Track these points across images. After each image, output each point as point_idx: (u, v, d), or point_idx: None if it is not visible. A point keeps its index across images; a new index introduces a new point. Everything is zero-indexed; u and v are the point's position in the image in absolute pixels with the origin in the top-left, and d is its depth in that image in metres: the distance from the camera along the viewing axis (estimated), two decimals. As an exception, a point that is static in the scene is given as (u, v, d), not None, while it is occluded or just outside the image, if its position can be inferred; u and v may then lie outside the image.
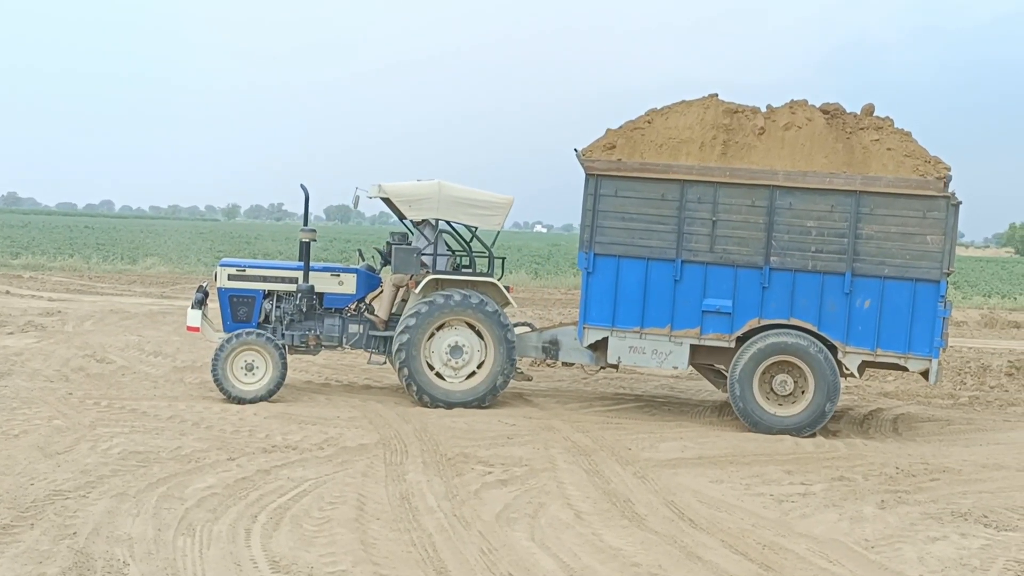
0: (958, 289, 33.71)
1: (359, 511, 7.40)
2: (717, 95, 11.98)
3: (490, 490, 8.23)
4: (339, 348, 12.37)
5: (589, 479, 8.73)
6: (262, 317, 12.09)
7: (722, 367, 12.17)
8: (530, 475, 8.77)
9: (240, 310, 12.03)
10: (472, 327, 11.89)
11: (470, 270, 12.70)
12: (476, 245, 12.77)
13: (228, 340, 11.40)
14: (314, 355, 12.47)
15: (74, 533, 6.55)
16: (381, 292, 12.53)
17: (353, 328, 12.17)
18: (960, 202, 10.84)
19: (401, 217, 13.01)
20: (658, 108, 12.03)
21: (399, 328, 11.70)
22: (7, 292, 22.18)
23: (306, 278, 12.09)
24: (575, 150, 11.69)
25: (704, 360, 11.92)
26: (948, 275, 10.87)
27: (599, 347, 11.86)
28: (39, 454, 8.51)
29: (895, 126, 11.50)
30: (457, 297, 11.75)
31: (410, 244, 12.45)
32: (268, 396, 11.47)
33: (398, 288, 12.36)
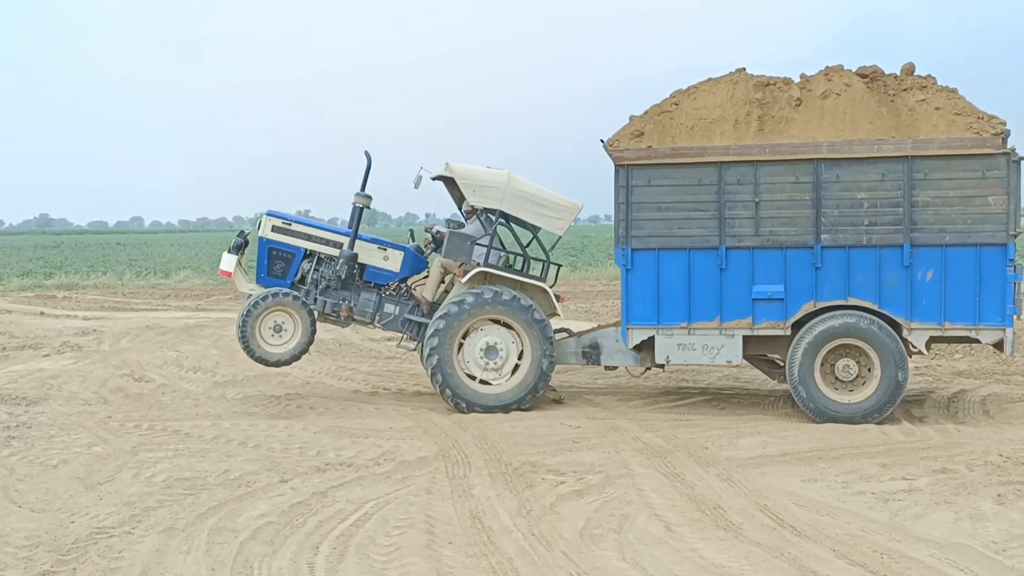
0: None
1: (429, 535, 6.62)
2: (744, 69, 11.01)
3: (566, 503, 7.41)
4: (370, 325, 11.58)
5: (671, 484, 7.84)
6: (298, 276, 11.39)
7: (777, 357, 11.19)
8: (606, 483, 7.91)
9: (277, 264, 11.34)
10: (510, 327, 10.99)
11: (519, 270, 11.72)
12: (531, 246, 11.93)
13: (264, 298, 10.74)
14: (343, 327, 11.66)
15: None
16: (426, 277, 11.72)
17: (389, 308, 11.43)
18: (1022, 158, 9.83)
19: (459, 203, 12.20)
20: (683, 89, 11.06)
21: (432, 327, 10.83)
22: (41, 313, 21.41)
23: (352, 245, 11.35)
24: (601, 141, 10.72)
25: (758, 350, 10.93)
26: (1015, 237, 9.86)
27: (644, 347, 10.89)
28: (80, 486, 7.81)
29: (939, 84, 10.51)
30: (494, 295, 10.83)
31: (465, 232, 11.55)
32: (290, 361, 11.03)
33: (445, 274, 11.48)
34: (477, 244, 11.19)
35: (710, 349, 10.52)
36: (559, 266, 11.98)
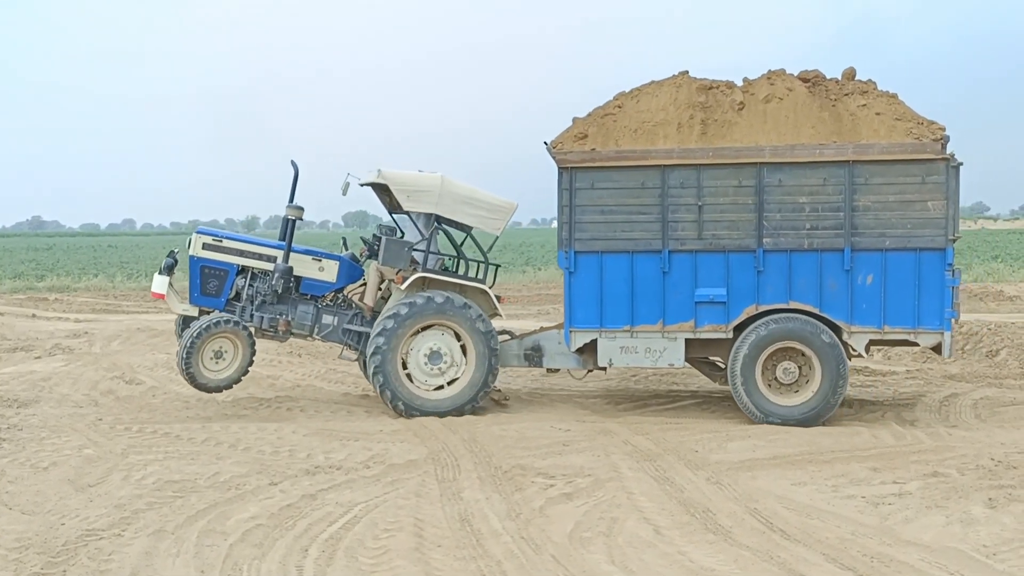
0: (1005, 263, 32.09)
1: (418, 538, 6.49)
2: (688, 72, 10.89)
3: (555, 506, 7.26)
4: (309, 338, 11.20)
5: (660, 488, 7.69)
6: (232, 293, 10.97)
7: (718, 360, 11.09)
8: (596, 486, 7.75)
9: (210, 282, 10.89)
10: (455, 333, 10.75)
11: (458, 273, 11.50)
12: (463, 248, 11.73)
13: (206, 328, 10.20)
14: (282, 341, 11.30)
15: None
16: (363, 285, 11.40)
17: (327, 319, 11.10)
18: (961, 163, 9.82)
19: (391, 210, 11.92)
20: (627, 91, 10.91)
21: (375, 330, 10.55)
22: (33, 315, 21.04)
23: (286, 259, 10.98)
24: (545, 143, 10.53)
25: (700, 353, 10.82)
26: (954, 241, 9.85)
27: (587, 350, 10.72)
28: (70, 488, 7.68)
29: (879, 89, 10.48)
30: (439, 299, 10.59)
31: (402, 237, 11.31)
32: (230, 387, 10.59)
33: (382, 280, 11.20)
34: (415, 249, 10.95)
35: (652, 352, 10.38)
36: (497, 266, 11.75)
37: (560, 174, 10.39)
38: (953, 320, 9.90)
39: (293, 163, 11.13)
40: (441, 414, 10.54)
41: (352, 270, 11.32)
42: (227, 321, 10.33)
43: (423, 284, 10.86)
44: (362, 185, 11.39)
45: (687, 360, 10.94)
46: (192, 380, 10.28)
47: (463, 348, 10.75)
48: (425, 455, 8.84)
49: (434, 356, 10.68)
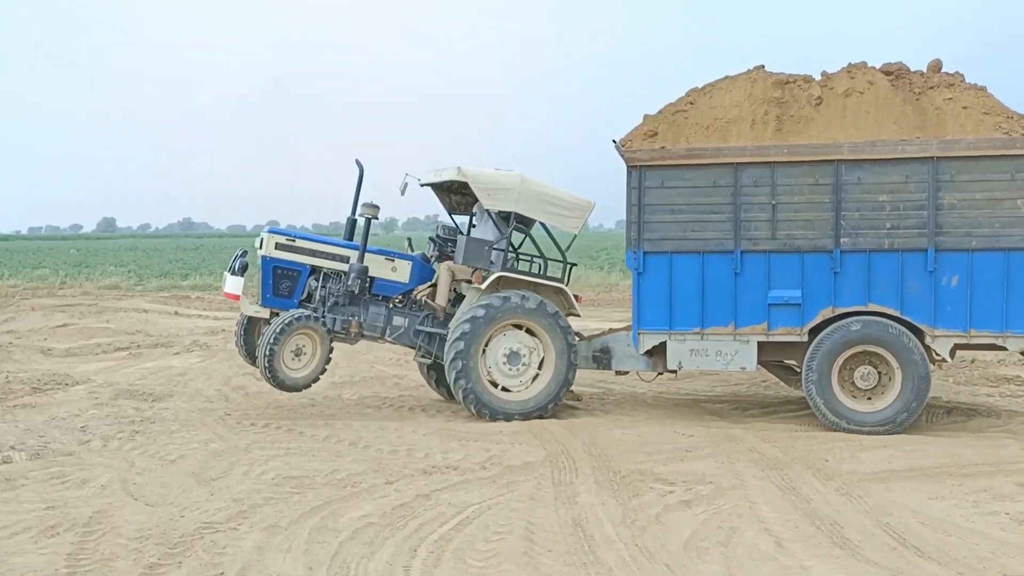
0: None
1: (528, 542, 6.30)
2: (763, 66, 10.46)
3: (673, 513, 6.96)
4: (380, 340, 10.95)
5: (785, 498, 7.28)
6: (304, 294, 10.69)
7: (794, 363, 10.63)
8: (717, 494, 7.41)
9: (283, 283, 10.58)
10: (531, 332, 10.53)
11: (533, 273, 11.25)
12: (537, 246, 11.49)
13: (288, 323, 9.95)
14: (352, 343, 10.99)
15: (222, 573, 5.81)
16: (432, 286, 11.14)
17: (398, 320, 10.82)
18: (1054, 159, 9.20)
19: (451, 211, 11.82)
20: (700, 87, 10.53)
21: (454, 333, 10.27)
22: (176, 313, 22.01)
23: (361, 259, 10.72)
24: (613, 141, 10.22)
25: (774, 357, 10.38)
26: (1045, 241, 9.24)
27: (656, 352, 10.38)
28: (193, 481, 7.82)
29: (967, 81, 9.90)
30: (516, 298, 10.36)
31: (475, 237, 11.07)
32: (309, 385, 10.33)
33: (453, 280, 10.97)
34: (495, 249, 10.72)
35: (724, 355, 9.99)
36: (574, 265, 11.47)
37: (629, 173, 10.07)
38: (1044, 324, 9.28)
39: (358, 162, 10.97)
40: (524, 416, 10.31)
41: (424, 270, 11.12)
42: (307, 317, 10.12)
43: (498, 284, 10.62)
44: (422, 185, 11.22)
45: (762, 364, 10.53)
46: (274, 378, 10.04)
47: (541, 348, 10.53)
48: (543, 457, 8.63)
49: (513, 357, 10.46)
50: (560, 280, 10.98)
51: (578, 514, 6.92)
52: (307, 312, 10.22)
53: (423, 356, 11.07)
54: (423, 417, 10.62)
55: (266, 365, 9.92)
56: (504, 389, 10.47)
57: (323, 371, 10.38)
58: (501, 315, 10.32)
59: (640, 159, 10.00)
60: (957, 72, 10.02)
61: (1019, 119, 9.33)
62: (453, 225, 11.68)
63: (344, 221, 11.42)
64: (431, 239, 11.47)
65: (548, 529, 6.58)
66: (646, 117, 10.46)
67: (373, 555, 6.08)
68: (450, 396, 11.42)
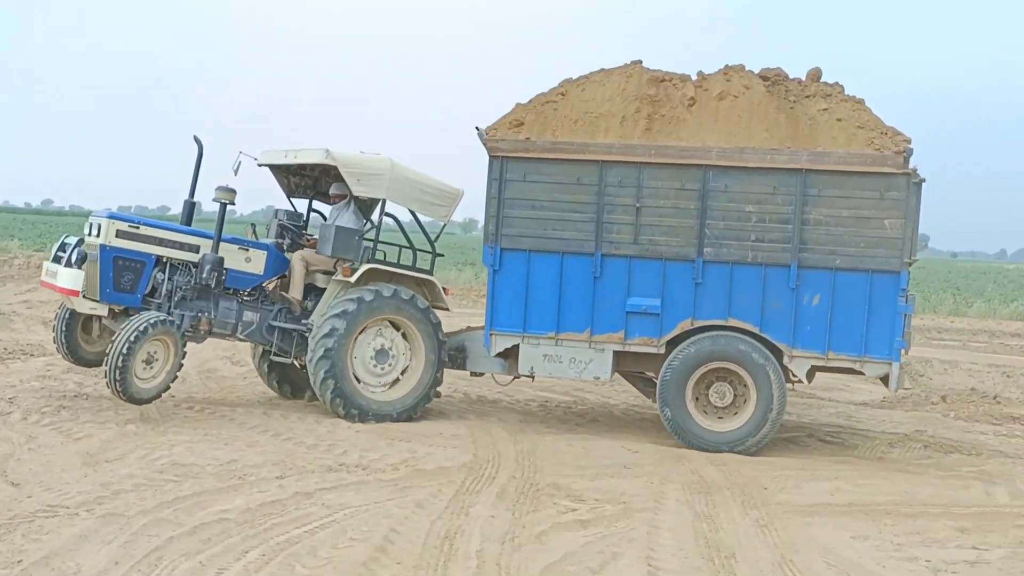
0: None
1: (379, 552, 5.78)
2: (641, 62, 9.87)
3: (561, 532, 6.38)
4: (230, 338, 9.89)
5: (693, 525, 6.68)
6: (148, 288, 9.33)
7: (653, 375, 10.10)
8: (621, 515, 6.81)
9: (125, 276, 9.14)
10: (396, 327, 9.77)
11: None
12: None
13: (142, 330, 8.60)
14: (199, 342, 9.87)
15: (19, 561, 5.33)
16: (283, 278, 10.10)
17: (249, 316, 9.72)
18: (923, 180, 8.79)
19: (289, 193, 10.82)
20: (574, 78, 9.89)
21: (322, 329, 9.36)
22: None
23: (216, 248, 9.50)
24: (477, 128, 9.53)
25: (631, 367, 9.84)
26: (910, 265, 8.83)
27: (511, 355, 9.75)
28: (79, 462, 7.36)
29: (846, 93, 9.45)
30: (387, 292, 9.56)
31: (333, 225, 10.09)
32: (159, 396, 9.06)
33: (308, 270, 10.01)
34: (364, 239, 9.88)
35: (578, 363, 9.40)
36: (440, 255, 10.75)
37: (490, 163, 9.41)
38: (903, 351, 8.88)
39: (196, 139, 9.77)
40: (395, 417, 9.56)
41: (279, 261, 9.94)
42: (164, 321, 8.86)
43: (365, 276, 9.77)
44: (260, 165, 10.32)
45: (621, 375, 10.00)
46: (125, 392, 8.66)
47: (408, 344, 9.83)
48: (464, 463, 8.10)
49: (381, 355, 9.68)
50: (428, 272, 10.25)
51: (456, 526, 6.38)
52: (163, 316, 8.92)
53: (277, 354, 10.01)
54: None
55: (117, 378, 8.56)
56: (385, 388, 9.72)
57: (175, 379, 9.18)
58: (372, 310, 9.52)
59: (502, 149, 9.35)
60: (837, 83, 9.57)
61: (893, 135, 8.89)
62: (293, 210, 10.71)
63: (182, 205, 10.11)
64: (280, 226, 10.35)
65: (411, 540, 6.04)
66: (517, 105, 9.80)
67: (198, 554, 5.54)
68: (292, 395, 10.60)
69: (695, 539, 6.35)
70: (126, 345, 8.53)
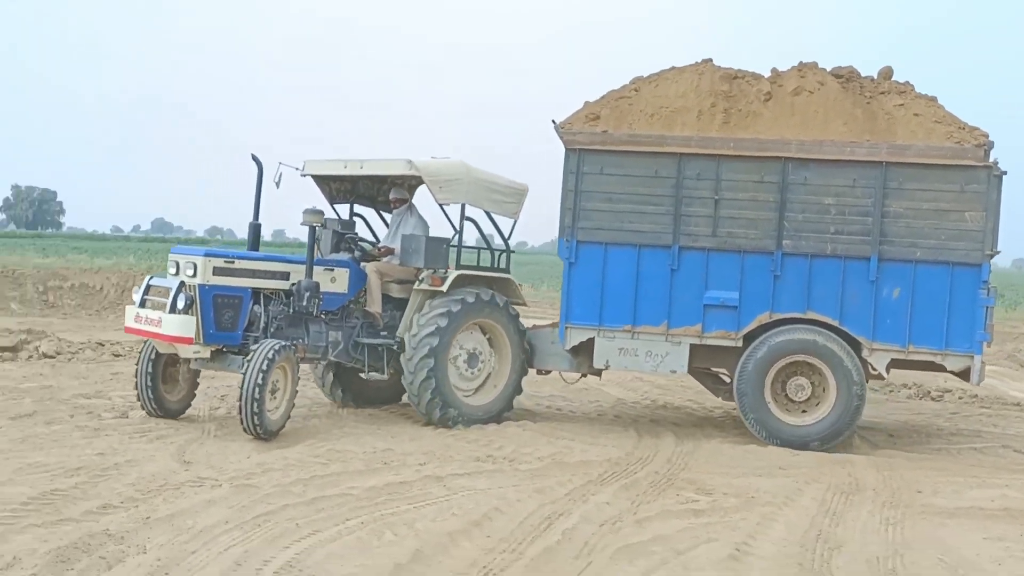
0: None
1: (472, 526, 5.86)
2: (712, 60, 9.88)
3: (667, 519, 6.30)
4: (320, 361, 9.49)
5: (814, 519, 6.43)
6: (247, 323, 8.84)
7: (722, 371, 10.00)
8: (742, 507, 6.63)
9: (225, 314, 8.60)
10: (483, 332, 9.66)
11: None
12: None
13: (270, 358, 8.06)
14: None
15: (147, 518, 5.65)
16: (364, 291, 9.73)
17: (333, 336, 9.33)
18: (1004, 172, 8.77)
19: (332, 201, 10.58)
20: (645, 76, 9.89)
21: (426, 328, 9.12)
22: None
23: (309, 273, 9.08)
24: (553, 121, 9.50)
25: (706, 363, 9.72)
26: (991, 257, 8.79)
27: (582, 351, 9.65)
28: (251, 447, 7.79)
29: (917, 91, 9.46)
30: (485, 296, 9.46)
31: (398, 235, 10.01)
32: (282, 427, 8.42)
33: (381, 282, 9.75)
34: (452, 246, 9.72)
35: (654, 356, 9.30)
36: (513, 251, 10.65)
37: (567, 156, 9.35)
38: (985, 344, 8.81)
39: (255, 158, 9.28)
40: (486, 420, 9.42)
41: (359, 276, 9.64)
42: (286, 348, 8.33)
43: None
44: (309, 175, 10.19)
45: (689, 371, 9.91)
46: (262, 424, 8.05)
47: (492, 348, 9.74)
48: (612, 458, 8.09)
49: (472, 359, 9.53)
50: (505, 270, 10.17)
51: (564, 510, 6.31)
52: (283, 343, 8.41)
53: (371, 371, 9.60)
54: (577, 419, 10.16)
55: (255, 410, 7.97)
56: (460, 391, 9.51)
57: (293, 403, 8.66)
58: (470, 313, 9.40)
59: (580, 142, 9.30)
60: (907, 81, 9.59)
61: (971, 130, 8.88)
62: (337, 218, 10.41)
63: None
64: (339, 236, 10.04)
65: (511, 519, 6.06)
66: (587, 103, 9.78)
67: (302, 518, 5.77)
68: (355, 403, 10.32)
69: (807, 531, 6.17)
70: (259, 376, 7.99)
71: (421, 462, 7.57)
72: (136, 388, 8.83)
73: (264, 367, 8.02)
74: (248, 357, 8.20)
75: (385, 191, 10.89)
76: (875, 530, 6.31)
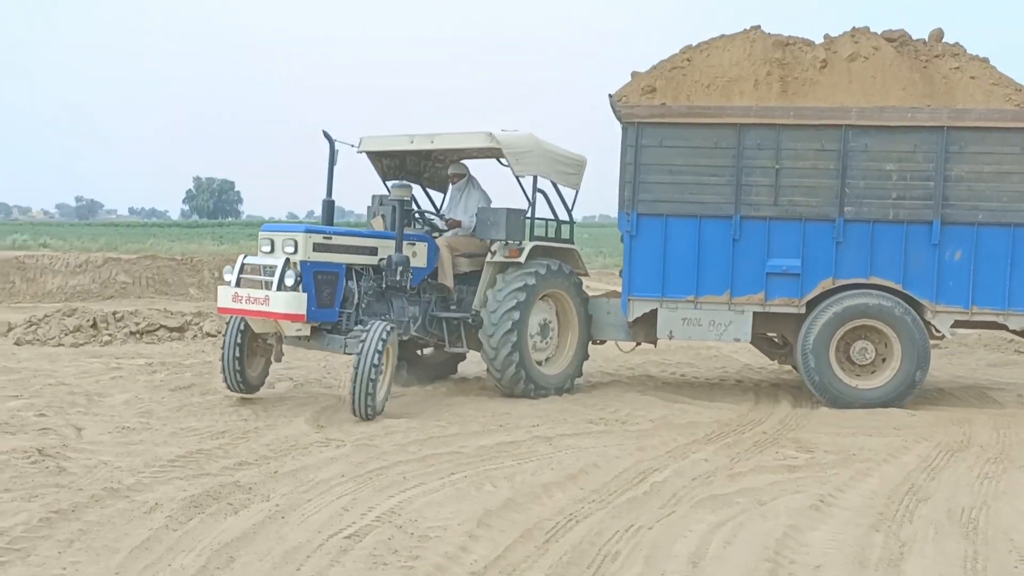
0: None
1: (568, 479, 6.19)
2: (760, 27, 9.83)
3: (760, 473, 6.47)
4: (403, 336, 9.13)
5: (910, 475, 6.49)
6: (342, 299, 8.66)
7: (775, 336, 10.07)
8: (839, 463, 6.77)
9: (325, 291, 8.42)
10: (550, 301, 9.71)
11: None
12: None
13: (383, 338, 7.92)
14: None
15: (275, 472, 6.18)
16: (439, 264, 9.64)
17: (413, 311, 9.21)
18: (1064, 133, 8.82)
19: (385, 177, 10.46)
20: (694, 45, 9.83)
21: (504, 306, 9.08)
22: None
23: (399, 247, 8.94)
24: (609, 95, 9.44)
25: (765, 329, 9.79)
26: (1052, 217, 8.87)
27: (639, 321, 9.69)
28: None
29: (969, 53, 9.47)
30: (555, 267, 9.51)
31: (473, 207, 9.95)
32: (384, 408, 8.21)
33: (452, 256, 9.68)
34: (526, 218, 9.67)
35: (717, 325, 9.35)
36: (575, 223, 10.65)
37: (625, 129, 9.31)
38: (1048, 302, 8.92)
39: (327, 134, 9.08)
40: (560, 389, 9.56)
41: (435, 250, 9.51)
42: (393, 328, 8.20)
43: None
44: (360, 152, 10.08)
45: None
46: (374, 406, 7.93)
47: (559, 319, 9.80)
48: (722, 419, 8.39)
49: (544, 329, 9.60)
50: (570, 240, 10.22)
51: (661, 465, 6.60)
52: (390, 323, 8.26)
53: (452, 345, 9.58)
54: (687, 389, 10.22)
55: (369, 391, 7.82)
56: (537, 363, 9.55)
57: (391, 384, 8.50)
58: (545, 284, 9.43)
59: (639, 115, 9.26)
60: (957, 43, 9.59)
61: (1027, 91, 8.92)
62: (390, 192, 9.95)
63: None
64: (416, 213, 9.99)
65: (607, 472, 6.35)
66: (636, 74, 9.72)
67: (411, 473, 6.19)
68: (417, 380, 10.20)
69: (899, 485, 6.23)
70: (375, 357, 7.82)
71: (534, 424, 7.95)
72: (223, 366, 8.67)
73: (380, 348, 7.87)
74: (358, 337, 8.03)
75: (431, 167, 10.82)
76: (969, 484, 6.36)
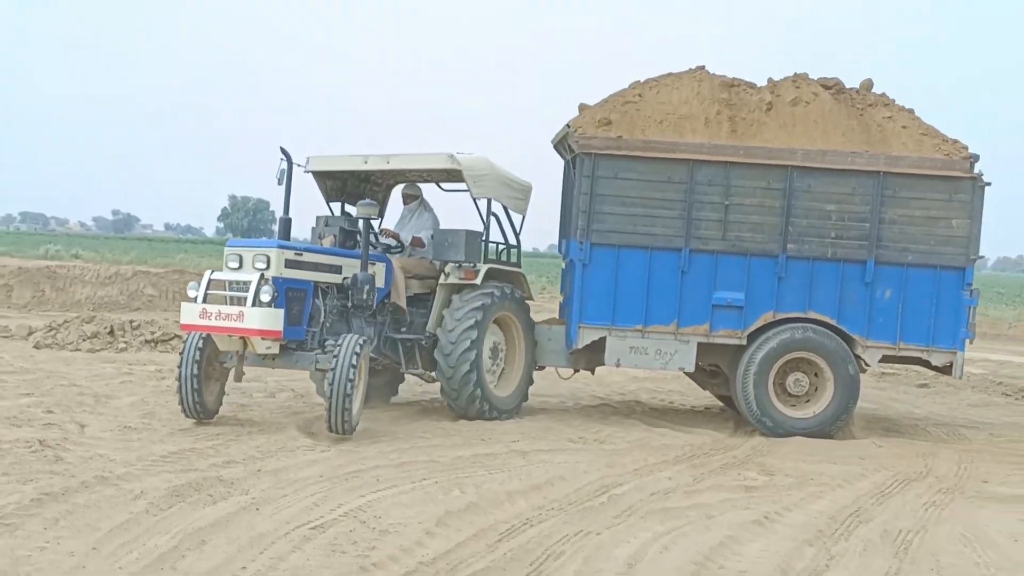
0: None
1: (532, 489, 6.53)
2: (705, 67, 10.18)
3: (714, 492, 6.79)
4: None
5: (856, 500, 6.74)
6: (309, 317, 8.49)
7: (706, 366, 10.38)
8: (793, 487, 7.06)
9: (295, 308, 8.15)
10: (499, 325, 9.71)
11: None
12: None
13: (356, 352, 7.79)
14: None
15: (258, 471, 6.54)
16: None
17: (369, 332, 9.05)
18: (988, 183, 9.48)
19: (328, 198, 10.33)
20: (643, 81, 10.09)
21: (464, 323, 9.06)
22: None
23: (364, 266, 8.78)
24: (567, 125, 9.58)
25: (706, 360, 10.09)
26: (974, 261, 9.52)
27: (580, 349, 9.82)
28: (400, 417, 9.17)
29: (897, 103, 10.07)
30: (507, 290, 9.53)
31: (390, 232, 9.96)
32: (359, 422, 8.13)
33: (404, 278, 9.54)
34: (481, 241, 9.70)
35: (663, 354, 9.59)
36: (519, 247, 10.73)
37: (581, 160, 9.46)
38: (968, 341, 9.55)
39: (283, 151, 8.75)
40: (510, 411, 9.56)
41: (391, 271, 9.39)
42: (366, 343, 8.09)
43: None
44: (306, 172, 9.95)
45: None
46: (350, 422, 7.79)
47: (506, 341, 9.84)
48: (694, 443, 8.67)
49: (494, 351, 9.58)
50: (517, 264, 10.28)
51: (623, 480, 6.90)
52: (363, 338, 8.13)
53: (408, 367, 9.45)
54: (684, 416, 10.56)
55: (346, 407, 7.69)
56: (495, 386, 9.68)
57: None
58: (497, 307, 9.43)
59: (595, 147, 9.43)
60: (884, 93, 10.17)
61: (953, 143, 9.54)
62: (339, 215, 10.16)
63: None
64: (352, 233, 9.56)
65: (571, 485, 6.69)
66: (584, 106, 9.90)
67: (383, 476, 6.57)
68: (382, 401, 10.11)
69: (845, 508, 6.50)
70: (351, 372, 7.69)
71: (515, 439, 8.27)
72: (179, 387, 8.25)
73: (355, 363, 7.73)
74: (331, 353, 7.86)
75: (370, 189, 10.71)
76: (914, 510, 6.62)
